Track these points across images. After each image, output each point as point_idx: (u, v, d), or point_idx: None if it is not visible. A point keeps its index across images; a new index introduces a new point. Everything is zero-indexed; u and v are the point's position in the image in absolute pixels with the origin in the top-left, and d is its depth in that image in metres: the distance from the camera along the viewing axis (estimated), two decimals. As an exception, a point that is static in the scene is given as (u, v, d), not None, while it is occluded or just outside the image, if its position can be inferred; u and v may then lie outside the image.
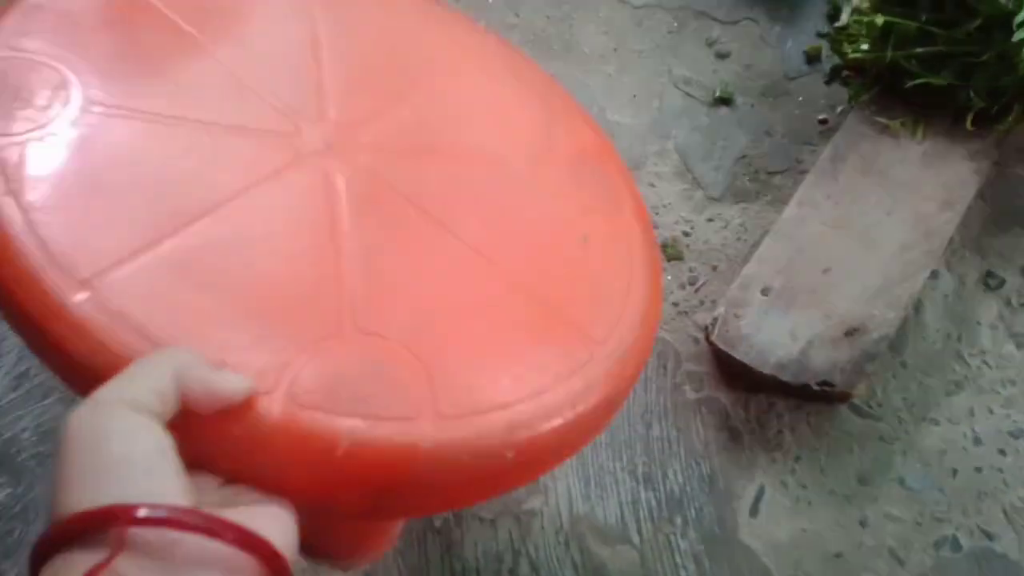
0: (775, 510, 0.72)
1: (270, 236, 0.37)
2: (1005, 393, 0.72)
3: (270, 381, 0.31)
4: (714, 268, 0.82)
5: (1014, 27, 0.70)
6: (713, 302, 0.81)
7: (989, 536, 0.68)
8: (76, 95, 0.37)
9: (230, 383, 0.30)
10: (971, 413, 0.72)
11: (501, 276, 0.40)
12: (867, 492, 0.71)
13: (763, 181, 0.86)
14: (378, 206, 0.40)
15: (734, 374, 0.77)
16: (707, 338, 0.73)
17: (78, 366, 0.31)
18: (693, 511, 0.74)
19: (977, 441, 0.71)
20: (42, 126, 0.35)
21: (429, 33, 0.51)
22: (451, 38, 0.52)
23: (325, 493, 0.32)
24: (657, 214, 0.86)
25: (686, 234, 0.85)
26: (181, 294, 0.33)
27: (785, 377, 0.69)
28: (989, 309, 0.74)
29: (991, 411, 0.71)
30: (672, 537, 0.73)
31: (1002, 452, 0.70)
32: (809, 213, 0.77)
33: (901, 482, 0.71)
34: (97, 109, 0.38)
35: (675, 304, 0.81)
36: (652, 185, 0.88)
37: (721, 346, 0.71)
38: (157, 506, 0.25)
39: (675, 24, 1.02)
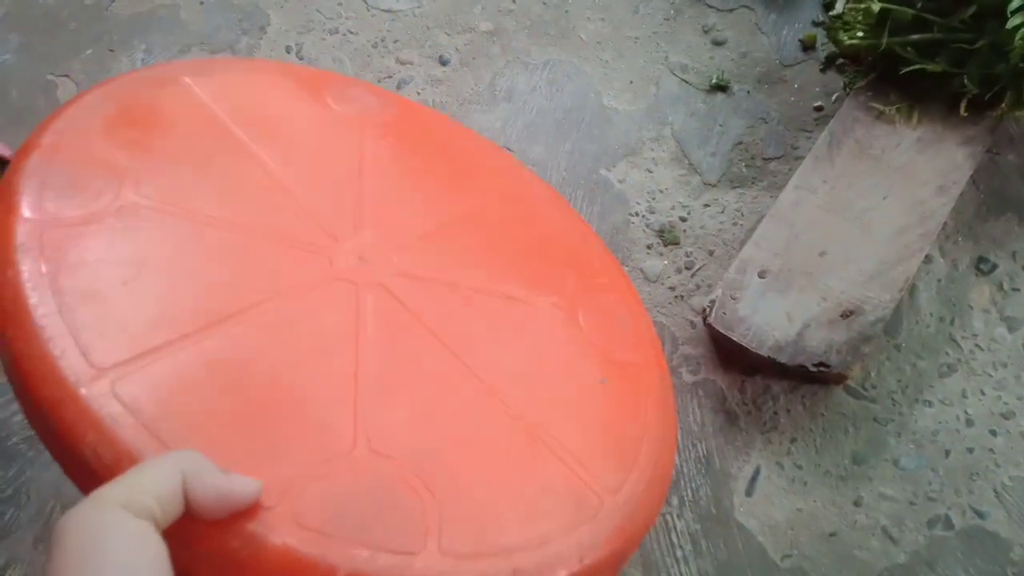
0: (771, 490, 0.73)
1: (294, 347, 0.37)
2: (997, 375, 0.73)
3: (274, 496, 0.30)
4: (711, 253, 0.82)
5: (1008, 15, 0.71)
6: (709, 286, 0.81)
7: (980, 515, 0.69)
8: (127, 190, 0.38)
9: (242, 486, 0.29)
10: (963, 395, 0.73)
11: (515, 416, 0.40)
12: (861, 472, 0.72)
13: (759, 167, 0.87)
14: (401, 332, 0.40)
15: (731, 357, 0.78)
16: (704, 320, 0.74)
17: (83, 456, 0.30)
18: (690, 491, 0.74)
19: (969, 422, 0.72)
20: (90, 215, 0.36)
21: (471, 166, 0.52)
22: (493, 173, 0.53)
23: None
24: (654, 199, 0.87)
25: (683, 219, 0.85)
26: (198, 396, 0.33)
27: (782, 359, 0.69)
28: (981, 293, 0.75)
29: (983, 393, 0.72)
30: (669, 517, 0.74)
31: (993, 433, 0.71)
32: (805, 197, 0.77)
33: (895, 462, 0.72)
34: (146, 204, 0.38)
35: (672, 288, 0.82)
36: (649, 171, 0.89)
37: (718, 328, 0.72)
38: None
39: (671, 11, 1.02)
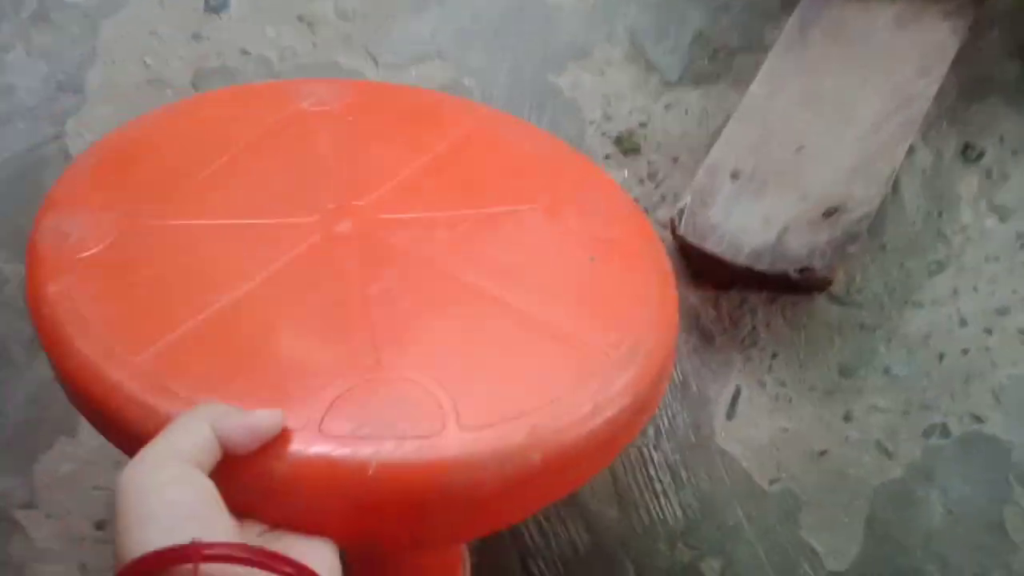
0: (753, 411, 0.67)
1: (299, 299, 0.41)
2: (989, 270, 0.67)
3: (303, 419, 0.34)
4: (675, 160, 0.74)
5: None
6: (676, 196, 0.74)
7: (979, 419, 0.64)
8: (125, 218, 0.44)
9: (266, 417, 0.33)
10: (955, 293, 0.67)
11: (514, 310, 0.42)
12: (850, 384, 0.66)
13: (723, 61, 0.78)
14: (399, 268, 0.44)
15: (702, 271, 0.71)
16: (673, 232, 0.66)
17: (123, 425, 0.35)
18: (666, 420, 0.68)
19: (963, 322, 0.66)
20: (99, 243, 0.42)
21: (432, 120, 0.55)
22: (455, 119, 0.55)
23: (363, 522, 0.34)
24: (609, 105, 0.78)
25: (642, 125, 0.77)
26: (216, 360, 0.37)
27: (761, 266, 0.62)
28: (969, 183, 0.69)
29: (976, 289, 0.67)
30: (644, 449, 0.67)
31: (988, 331, 0.66)
32: (776, 89, 0.69)
33: (886, 371, 0.66)
34: (144, 224, 0.44)
35: (635, 200, 0.74)
36: (601, 73, 0.79)
37: (689, 239, 0.65)
38: (222, 544, 0.27)
39: None
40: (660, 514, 0.65)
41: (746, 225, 0.64)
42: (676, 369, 0.69)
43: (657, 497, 0.66)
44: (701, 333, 0.69)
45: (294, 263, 0.43)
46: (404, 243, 0.45)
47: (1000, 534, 0.61)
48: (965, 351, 0.66)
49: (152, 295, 0.40)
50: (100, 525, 0.73)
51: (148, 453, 0.30)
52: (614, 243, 0.48)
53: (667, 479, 0.66)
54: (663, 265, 0.48)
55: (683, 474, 0.66)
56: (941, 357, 0.66)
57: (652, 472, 0.67)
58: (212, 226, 0.45)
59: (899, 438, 0.64)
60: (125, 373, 0.36)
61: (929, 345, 0.66)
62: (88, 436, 0.76)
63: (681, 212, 0.65)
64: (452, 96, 0.62)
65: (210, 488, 0.30)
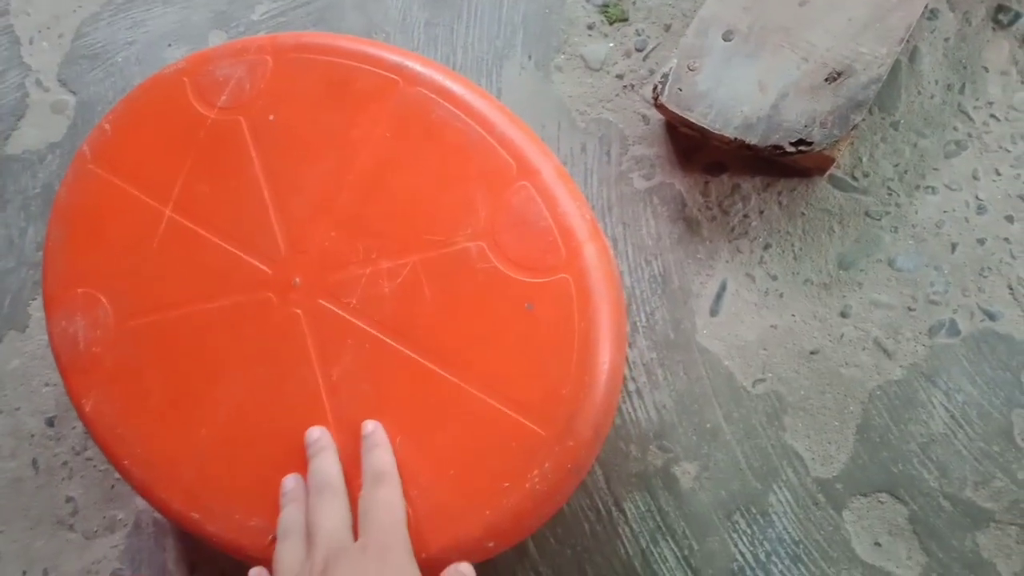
0: (739, 307, 0.60)
1: (276, 394, 0.48)
2: (1016, 150, 0.59)
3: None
4: (666, 28, 0.66)
5: None
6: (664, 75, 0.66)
7: (991, 316, 0.57)
8: (109, 313, 0.52)
9: None
10: (974, 176, 0.59)
11: (459, 391, 0.45)
12: (849, 278, 0.59)
13: (725, -81, 0.69)
14: (350, 342, 0.47)
15: (691, 153, 0.63)
16: (655, 100, 0.59)
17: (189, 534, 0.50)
18: (643, 316, 0.62)
19: (981, 209, 0.59)
20: (103, 347, 0.51)
21: (355, 97, 0.51)
22: (379, 92, 0.51)
23: None
24: (595, -30, 0.69)
25: (631, -8, 0.68)
26: (228, 475, 0.48)
27: (752, 139, 0.55)
28: (999, 51, 0.60)
29: (998, 173, 0.59)
30: (620, 347, 0.61)
31: (1009, 219, 0.58)
32: (781, -58, 0.61)
33: (890, 263, 0.59)
34: (132, 326, 0.51)
35: (619, 77, 0.66)
36: (589, -65, 0.71)
37: (673, 108, 0.57)
38: None
39: None
40: (632, 415, 0.60)
41: (738, 92, 0.56)
42: (657, 261, 0.62)
43: (629, 397, 0.60)
44: (687, 222, 0.63)
45: (264, 344, 0.49)
46: (354, 309, 0.48)
47: (1007, 441, 0.55)
48: (981, 241, 0.58)
49: (165, 403, 0.49)
50: (51, 422, 0.69)
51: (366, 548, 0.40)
52: (551, 283, 0.45)
53: (641, 379, 0.61)
54: (615, 297, 0.46)
55: (659, 373, 0.60)
56: (953, 248, 0.58)
57: (625, 371, 0.61)
58: (186, 315, 0.50)
59: (901, 336, 0.58)
60: (171, 493, 0.48)
61: (940, 234, 0.59)
62: (37, 331, 0.72)
63: (665, 78, 0.58)
64: (361, 50, 0.53)
65: None
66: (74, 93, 0.75)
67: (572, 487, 0.45)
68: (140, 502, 0.66)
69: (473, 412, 0.45)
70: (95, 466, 0.67)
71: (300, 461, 0.47)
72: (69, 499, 0.67)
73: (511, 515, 0.43)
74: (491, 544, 0.43)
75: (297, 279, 0.49)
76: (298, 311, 0.49)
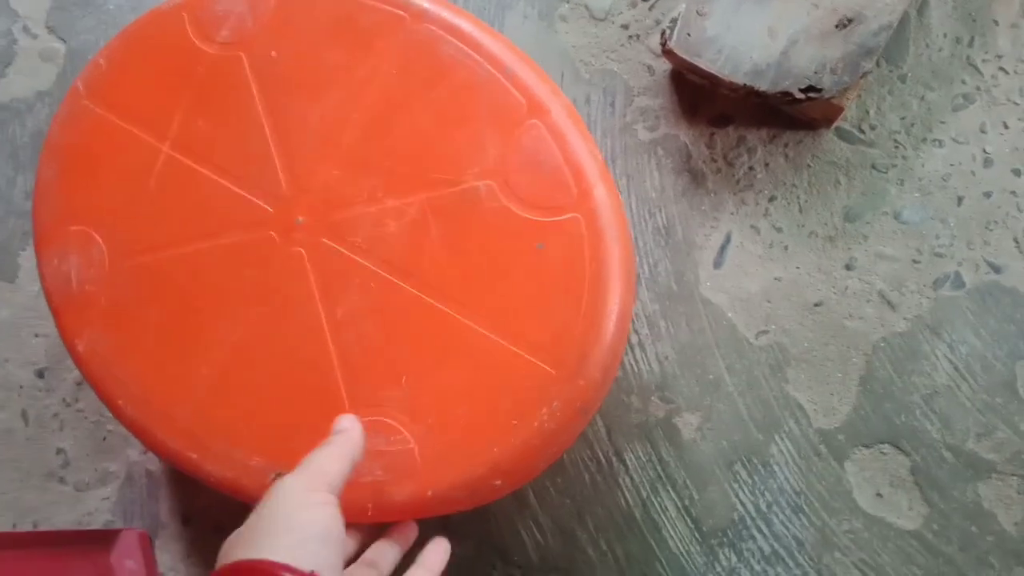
0: (743, 259, 0.60)
1: (279, 335, 0.47)
2: (1024, 104, 0.59)
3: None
4: (672, -22, 0.65)
5: None
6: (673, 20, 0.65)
7: (996, 269, 0.57)
8: (104, 252, 0.50)
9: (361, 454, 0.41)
10: (982, 130, 0.59)
11: (467, 330, 0.45)
12: (855, 230, 0.59)
13: None
14: (356, 281, 0.46)
15: (697, 104, 0.62)
16: (663, 46, 0.58)
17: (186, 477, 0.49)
18: (646, 268, 0.61)
19: (988, 162, 0.58)
20: (97, 286, 0.50)
21: (362, 35, 0.49)
22: (387, 29, 0.49)
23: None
24: (601, -81, 0.68)
25: (637, -58, 0.67)
26: (231, 415, 0.47)
27: (762, 85, 0.54)
28: (1009, 4, 0.60)
29: (1006, 126, 0.58)
30: (622, 299, 0.61)
31: (1016, 172, 0.58)
32: None
33: (896, 216, 0.59)
34: (128, 264, 0.50)
35: (624, 27, 0.65)
36: None
37: (681, 54, 0.56)
38: None
39: None
40: (634, 367, 0.60)
41: (747, 38, 0.55)
42: (661, 213, 0.62)
43: (632, 349, 0.60)
44: (691, 174, 0.62)
45: (265, 283, 0.48)
46: (359, 248, 0.47)
47: (1010, 393, 0.55)
48: (987, 194, 0.58)
49: (162, 343, 0.48)
50: (41, 373, 0.68)
51: (306, 474, 0.37)
52: (562, 222, 0.45)
53: (644, 330, 0.60)
54: (613, 232, 0.45)
55: (662, 324, 0.60)
56: (959, 201, 0.58)
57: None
58: (184, 254, 0.49)
59: (906, 288, 0.58)
60: (168, 433, 0.47)
61: (947, 187, 0.58)
62: (27, 281, 0.70)
63: (673, 24, 0.57)
64: None
65: (340, 519, 0.36)
66: (64, 40, 0.73)
67: (580, 427, 0.45)
68: (133, 454, 0.65)
69: (481, 351, 0.44)
70: (86, 417, 0.66)
71: (302, 400, 0.46)
72: (60, 451, 0.66)
73: (519, 453, 0.43)
74: (498, 482, 0.43)
75: (300, 218, 0.48)
76: (301, 250, 0.48)
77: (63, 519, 0.65)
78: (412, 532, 0.45)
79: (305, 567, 0.32)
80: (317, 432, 0.43)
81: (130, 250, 0.50)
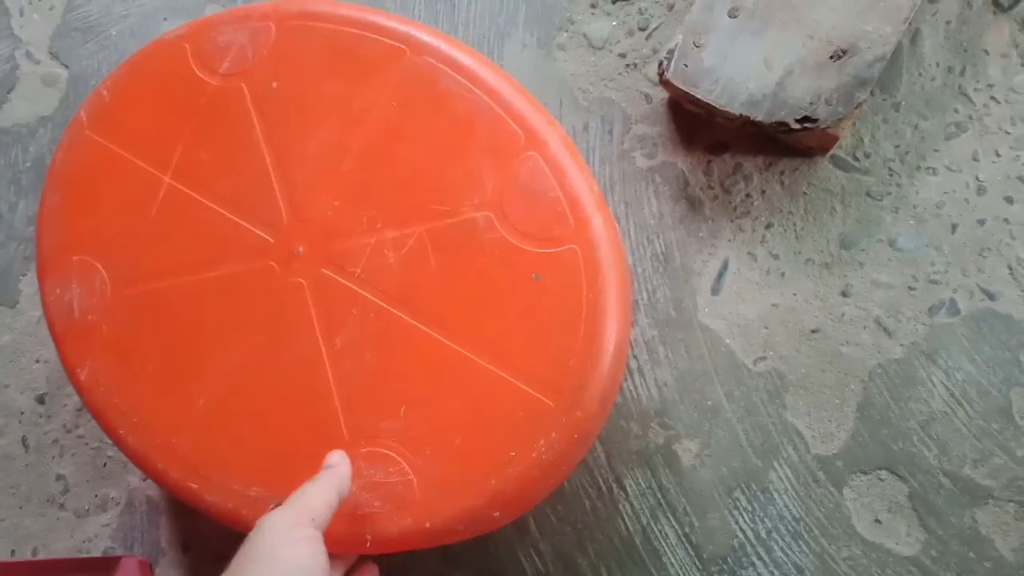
0: (741, 285, 0.61)
1: (278, 364, 0.48)
2: (1015, 132, 0.59)
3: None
4: (670, 7, 0.66)
5: None
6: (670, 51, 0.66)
7: (991, 296, 0.57)
8: (106, 281, 0.51)
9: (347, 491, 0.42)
10: (974, 158, 0.60)
11: (465, 361, 0.45)
12: (850, 257, 0.60)
13: (728, -100, 0.69)
14: (354, 313, 0.47)
15: (694, 132, 0.63)
16: (661, 77, 0.58)
17: (185, 504, 0.49)
18: (645, 294, 0.62)
19: (981, 190, 0.59)
20: (98, 315, 0.50)
21: (361, 64, 0.50)
22: (385, 60, 0.50)
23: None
24: (598, -51, 0.69)
25: (634, -29, 0.68)
26: (230, 442, 0.47)
27: (758, 115, 0.55)
28: (1000, 33, 0.61)
29: (998, 154, 0.59)
30: (621, 325, 0.61)
31: (1009, 200, 0.59)
32: (786, -78, 0.61)
33: (891, 243, 0.59)
34: (128, 294, 0.50)
35: (622, 56, 0.66)
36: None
37: (679, 84, 0.57)
38: None
39: None
40: (633, 393, 0.60)
41: (744, 69, 0.56)
42: (659, 240, 0.62)
43: (631, 375, 0.60)
44: (689, 201, 0.63)
45: (265, 313, 0.48)
46: (358, 278, 0.47)
47: (1006, 419, 0.56)
48: (981, 222, 0.59)
49: (162, 372, 0.49)
50: (41, 399, 0.68)
51: (291, 511, 0.37)
52: (559, 253, 0.45)
53: (643, 356, 0.61)
54: (620, 268, 0.45)
55: (660, 351, 0.60)
56: (954, 228, 0.59)
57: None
58: (185, 284, 0.50)
59: (902, 315, 0.58)
60: (168, 463, 0.48)
61: (941, 215, 0.59)
62: (29, 307, 0.70)
63: (671, 54, 0.58)
64: (366, 18, 0.51)
65: (323, 553, 0.37)
66: (66, 66, 0.74)
67: (578, 458, 0.45)
68: (133, 480, 0.65)
69: (479, 382, 0.44)
70: (87, 444, 0.66)
71: (300, 431, 0.46)
72: (60, 477, 0.66)
73: (517, 485, 0.43)
74: (497, 514, 0.43)
75: (300, 248, 0.48)
76: (301, 280, 0.48)
77: (63, 546, 0.65)
78: (373, 571, 0.46)
79: None
80: (316, 462, 0.43)
81: (131, 279, 0.51)
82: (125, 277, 0.51)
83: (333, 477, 0.41)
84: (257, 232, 0.49)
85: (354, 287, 0.47)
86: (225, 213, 0.50)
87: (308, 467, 0.43)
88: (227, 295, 0.49)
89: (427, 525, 0.43)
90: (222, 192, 0.50)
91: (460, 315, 0.46)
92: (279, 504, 0.39)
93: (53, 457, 0.66)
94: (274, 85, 0.51)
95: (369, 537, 0.44)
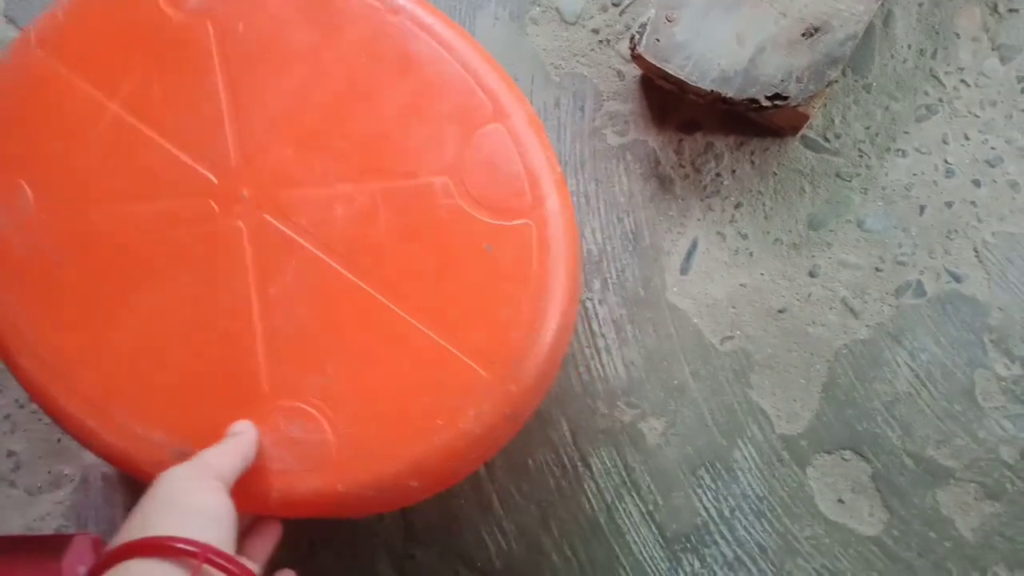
0: (709, 265, 0.60)
1: (202, 304, 0.45)
2: (984, 116, 0.59)
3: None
4: (643, -16, 0.65)
5: None
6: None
7: (957, 278, 0.58)
8: (30, 201, 0.48)
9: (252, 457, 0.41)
10: (944, 141, 0.60)
11: (403, 324, 0.44)
12: (819, 238, 0.59)
13: None
14: (293, 261, 0.45)
15: (666, 110, 0.63)
16: (633, 51, 0.58)
17: (83, 443, 0.46)
18: (614, 272, 0.61)
19: (949, 172, 0.59)
20: (23, 237, 0.47)
21: (329, 11, 0.48)
22: (354, 11, 0.48)
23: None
24: (573, -76, 0.68)
25: (609, -53, 0.67)
26: (138, 385, 0.45)
27: (729, 92, 0.55)
28: (971, 17, 0.61)
29: (967, 137, 0.59)
30: (589, 303, 0.61)
31: (976, 183, 0.59)
32: (762, -101, 0.60)
33: (859, 224, 0.59)
34: (56, 221, 0.47)
35: (595, 31, 0.65)
36: None
37: (650, 59, 0.56)
38: (228, 556, 0.33)
39: None
40: (600, 371, 0.59)
41: (716, 45, 0.55)
42: (629, 218, 0.62)
43: (598, 353, 0.60)
44: (659, 180, 0.62)
45: (197, 253, 0.46)
46: (302, 229, 0.46)
47: (969, 400, 0.56)
48: (949, 204, 0.59)
49: (77, 301, 0.46)
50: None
51: (195, 465, 0.37)
52: (513, 227, 0.44)
53: (611, 335, 0.60)
54: (572, 249, 0.45)
55: (628, 330, 0.60)
56: (921, 210, 0.59)
57: (595, 327, 0.60)
58: (115, 212, 0.47)
59: (868, 296, 0.58)
60: (68, 398, 0.45)
61: (909, 197, 0.59)
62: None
63: (643, 29, 0.57)
64: None
65: (230, 503, 0.36)
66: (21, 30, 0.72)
67: (508, 435, 0.44)
68: (88, 456, 0.63)
69: (413, 346, 0.43)
70: (40, 419, 0.64)
71: (217, 379, 0.44)
72: (11, 453, 0.64)
73: (440, 455, 0.42)
74: (415, 483, 0.42)
75: (245, 192, 0.47)
76: (240, 223, 0.46)
77: (13, 524, 0.63)
78: (276, 530, 0.44)
79: (198, 540, 0.32)
80: (228, 411, 0.42)
81: (59, 203, 0.48)
82: (52, 199, 0.48)
83: (239, 443, 0.40)
84: (201, 170, 0.47)
85: (296, 237, 0.46)
86: (170, 148, 0.48)
87: (219, 417, 0.42)
88: (159, 230, 0.47)
89: (339, 488, 0.42)
90: (170, 128, 0.48)
91: (403, 277, 0.44)
92: (182, 454, 0.37)
93: (4, 432, 0.64)
94: (241, 27, 0.49)
95: (275, 495, 0.42)
